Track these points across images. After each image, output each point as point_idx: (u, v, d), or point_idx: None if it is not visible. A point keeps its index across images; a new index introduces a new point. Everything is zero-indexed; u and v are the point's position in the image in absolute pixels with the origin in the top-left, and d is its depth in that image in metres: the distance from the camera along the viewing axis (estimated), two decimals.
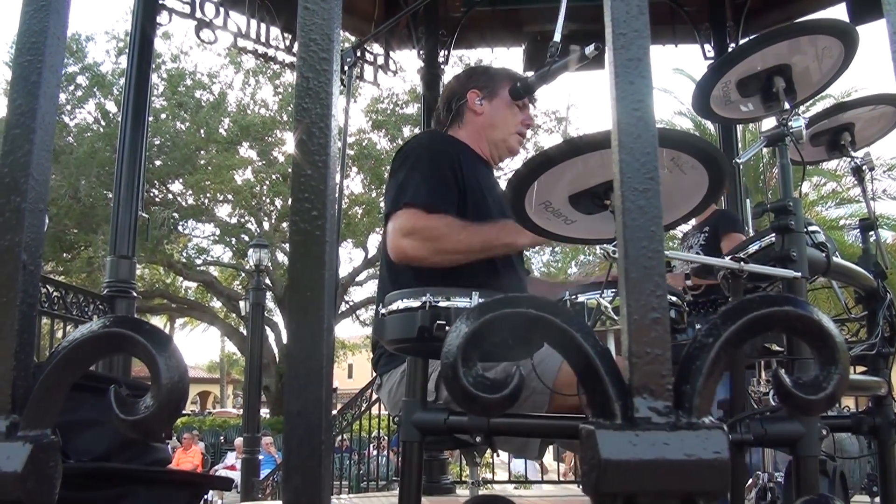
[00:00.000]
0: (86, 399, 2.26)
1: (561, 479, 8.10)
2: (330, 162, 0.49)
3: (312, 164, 0.48)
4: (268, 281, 19.39)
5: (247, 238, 20.74)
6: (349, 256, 23.00)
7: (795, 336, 0.51)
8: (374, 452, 11.30)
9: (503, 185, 2.13)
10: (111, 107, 20.27)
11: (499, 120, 2.69)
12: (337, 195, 3.69)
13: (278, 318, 22.72)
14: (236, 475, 11.19)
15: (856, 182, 2.72)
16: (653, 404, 0.48)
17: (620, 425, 0.48)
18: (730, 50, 5.92)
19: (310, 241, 0.47)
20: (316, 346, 0.46)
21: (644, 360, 0.48)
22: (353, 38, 7.09)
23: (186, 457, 13.95)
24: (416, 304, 1.78)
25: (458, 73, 2.92)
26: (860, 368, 2.53)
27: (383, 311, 1.86)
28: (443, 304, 1.75)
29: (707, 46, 6.32)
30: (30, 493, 0.48)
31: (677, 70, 17.62)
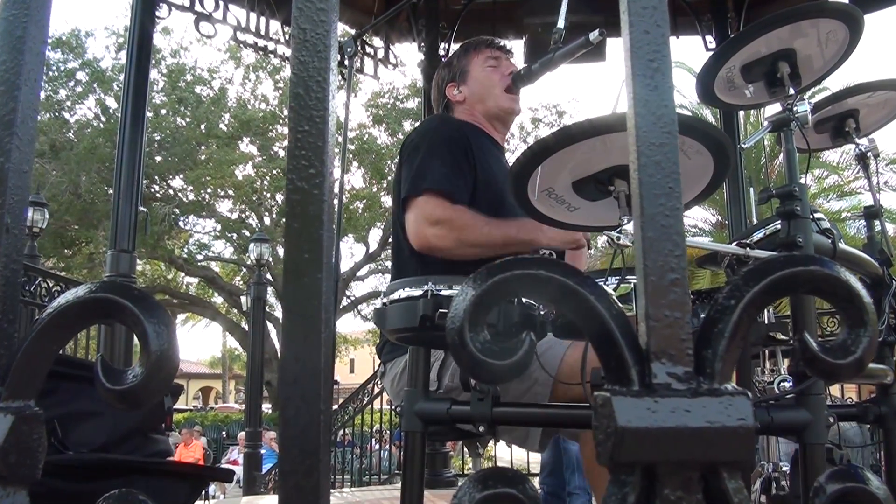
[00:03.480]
0: (84, 390, 2.25)
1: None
2: (328, 118, 0.46)
3: (310, 119, 0.46)
4: (269, 276, 19.38)
5: (248, 233, 20.72)
6: (350, 251, 22.97)
7: (821, 297, 0.48)
8: (376, 446, 11.32)
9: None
10: (111, 102, 20.24)
11: (480, 90, 2.68)
12: (337, 190, 3.65)
13: (279, 313, 22.71)
14: (239, 470, 11.20)
15: (859, 172, 2.70)
16: (672, 370, 0.45)
17: (638, 392, 0.45)
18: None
19: (307, 199, 0.45)
20: (314, 312, 0.44)
21: (662, 323, 0.45)
22: (352, 32, 7.07)
23: (188, 452, 13.96)
24: (417, 292, 1.76)
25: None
26: None
27: (385, 300, 1.84)
28: (445, 292, 1.73)
29: (709, 38, 6.29)
30: (12, 466, 0.46)
31: (678, 64, 17.57)
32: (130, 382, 0.46)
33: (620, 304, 1.56)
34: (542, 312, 1.76)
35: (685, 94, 17.25)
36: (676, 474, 0.43)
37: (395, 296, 1.80)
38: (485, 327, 0.50)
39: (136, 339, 0.46)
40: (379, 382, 8.77)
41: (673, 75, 0.49)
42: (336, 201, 3.60)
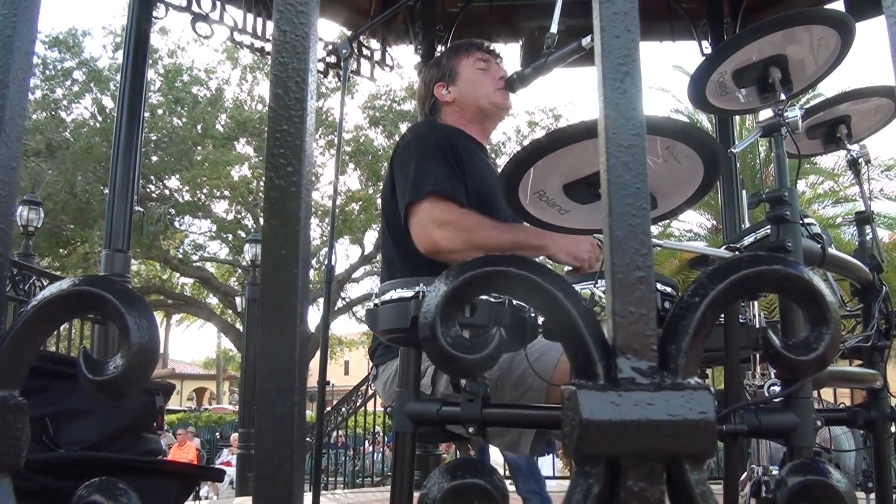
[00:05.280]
0: (75, 388, 2.25)
1: (556, 474, 8.07)
2: (306, 117, 0.47)
3: (288, 119, 0.47)
4: None
5: (243, 234, 20.69)
6: (346, 253, 22.91)
7: (785, 296, 0.49)
8: (370, 449, 11.33)
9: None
10: (108, 102, 20.22)
11: (472, 90, 2.68)
12: (332, 191, 3.65)
13: None
14: (232, 471, 11.20)
15: (853, 179, 2.71)
16: (636, 364, 0.46)
17: (603, 386, 0.46)
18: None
19: (284, 197, 0.46)
20: (290, 306, 0.45)
21: (628, 319, 0.46)
22: (348, 34, 7.07)
23: (181, 453, 13.95)
24: (409, 293, 1.76)
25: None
26: (856, 362, 2.52)
27: (376, 301, 1.84)
28: None
29: (704, 43, 6.30)
30: None
31: (677, 67, 17.60)
32: (111, 373, 0.47)
33: None
34: (532, 315, 1.77)
35: (681, 99, 17.28)
36: (640, 466, 0.44)
37: (387, 297, 1.80)
38: (456, 323, 0.51)
39: None
40: (372, 385, 8.76)
41: (643, 79, 0.50)
42: (331, 203, 3.61)
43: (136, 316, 0.47)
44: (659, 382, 0.46)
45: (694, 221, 17.34)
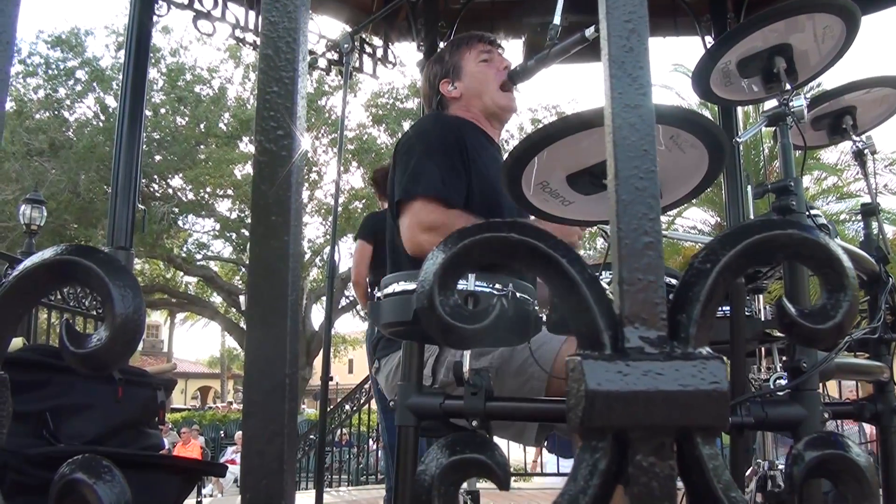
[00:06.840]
0: (76, 383, 2.24)
1: (560, 471, 8.05)
2: (298, 79, 0.45)
3: (279, 80, 0.45)
4: None
5: (247, 233, 20.69)
6: (349, 251, 22.86)
7: (800, 262, 0.47)
8: (374, 446, 11.33)
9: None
10: (111, 101, 20.26)
11: (476, 86, 2.66)
12: (335, 188, 3.62)
13: None
14: (236, 469, 11.20)
15: (858, 174, 2.69)
16: (645, 334, 0.44)
17: (610, 356, 0.44)
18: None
19: (275, 161, 0.44)
20: (280, 275, 0.43)
21: (636, 286, 0.44)
22: (350, 30, 7.05)
23: (186, 451, 13.98)
24: (412, 286, 1.74)
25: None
26: (863, 356, 2.51)
27: (379, 294, 1.82)
28: None
29: (708, 38, 6.28)
30: None
31: (677, 65, 17.55)
32: (94, 346, 0.45)
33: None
34: (535, 308, 1.75)
35: (684, 97, 17.26)
36: (649, 439, 0.42)
37: (390, 289, 1.79)
38: (455, 291, 0.49)
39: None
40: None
41: (650, 39, 0.48)
42: (333, 200, 3.59)
43: (121, 286, 0.45)
44: (669, 352, 0.44)
45: (698, 218, 17.30)
